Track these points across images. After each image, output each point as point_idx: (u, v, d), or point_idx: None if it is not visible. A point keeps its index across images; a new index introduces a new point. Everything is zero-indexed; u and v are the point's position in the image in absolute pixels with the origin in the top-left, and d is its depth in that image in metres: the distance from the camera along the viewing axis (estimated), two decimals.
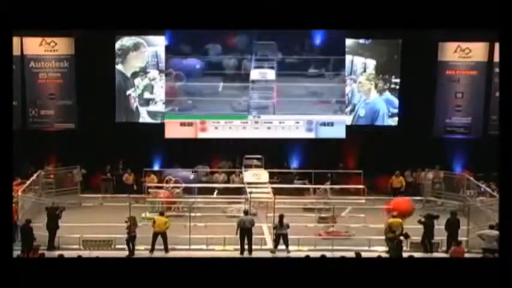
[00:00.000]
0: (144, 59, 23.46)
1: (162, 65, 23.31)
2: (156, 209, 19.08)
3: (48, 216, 16.97)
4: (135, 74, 23.52)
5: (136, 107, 23.59)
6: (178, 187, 20.68)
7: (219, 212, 19.92)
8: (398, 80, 23.78)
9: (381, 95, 23.99)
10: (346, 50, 23.37)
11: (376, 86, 23.93)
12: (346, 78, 23.52)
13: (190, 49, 22.86)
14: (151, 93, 23.60)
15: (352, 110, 23.97)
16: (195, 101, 23.02)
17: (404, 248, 16.21)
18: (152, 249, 16.52)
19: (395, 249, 15.82)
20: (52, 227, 16.77)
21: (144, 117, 23.65)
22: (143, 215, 18.88)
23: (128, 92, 23.51)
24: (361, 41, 23.90)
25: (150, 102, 23.66)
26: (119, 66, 23.42)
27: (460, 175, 22.17)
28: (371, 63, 23.90)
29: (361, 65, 23.90)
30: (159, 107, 23.58)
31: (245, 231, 16.55)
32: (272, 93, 23.17)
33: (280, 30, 20.90)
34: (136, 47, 23.36)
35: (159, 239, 16.52)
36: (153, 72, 23.55)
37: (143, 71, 23.56)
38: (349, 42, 23.46)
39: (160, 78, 23.42)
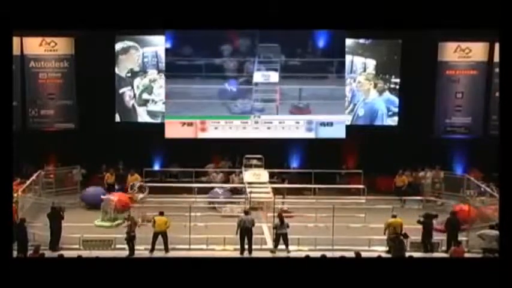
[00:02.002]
0: (134, 61, 23.36)
1: (162, 65, 23.29)
2: (109, 215, 18.61)
3: (51, 217, 16.88)
4: (134, 74, 23.51)
5: (133, 105, 23.59)
6: (143, 191, 20.11)
7: (213, 212, 19.90)
8: (398, 80, 23.78)
9: (381, 95, 23.97)
10: (346, 50, 23.34)
11: (375, 86, 23.91)
12: (347, 78, 23.51)
13: (192, 51, 22.80)
14: (151, 93, 23.60)
15: (351, 110, 23.98)
16: (195, 103, 22.99)
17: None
18: (152, 249, 16.51)
19: (397, 248, 15.81)
20: (56, 228, 16.72)
21: (143, 117, 23.66)
22: (96, 222, 18.39)
23: (122, 90, 23.48)
24: (361, 41, 23.89)
25: (150, 102, 23.67)
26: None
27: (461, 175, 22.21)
28: (371, 63, 23.88)
29: (361, 65, 23.88)
30: (159, 107, 23.58)
31: (245, 231, 16.55)
32: (275, 96, 23.14)
33: (283, 32, 20.97)
34: (125, 50, 23.30)
35: (159, 239, 16.52)
36: (153, 72, 23.55)
37: (143, 71, 23.57)
38: (349, 42, 23.44)
39: (160, 79, 23.42)
